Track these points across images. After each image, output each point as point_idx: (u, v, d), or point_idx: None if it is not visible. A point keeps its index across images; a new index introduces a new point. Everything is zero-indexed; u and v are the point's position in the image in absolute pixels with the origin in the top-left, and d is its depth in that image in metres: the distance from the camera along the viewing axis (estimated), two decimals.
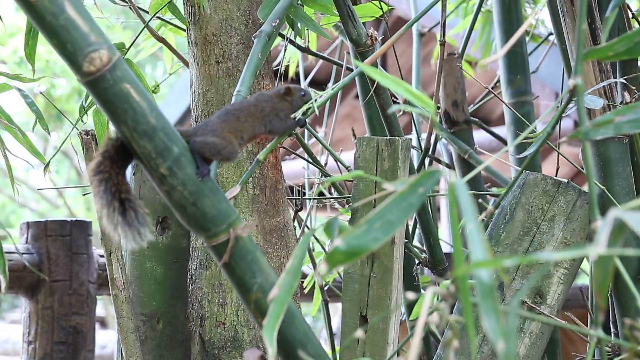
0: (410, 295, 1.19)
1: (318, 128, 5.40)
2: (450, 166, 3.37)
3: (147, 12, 2.71)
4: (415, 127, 3.11)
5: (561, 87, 2.98)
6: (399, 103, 3.20)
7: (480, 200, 2.94)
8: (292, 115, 1.92)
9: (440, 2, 2.80)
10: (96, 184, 1.72)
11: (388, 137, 2.27)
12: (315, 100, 1.89)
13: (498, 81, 3.64)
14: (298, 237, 2.71)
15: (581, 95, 1.53)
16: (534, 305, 2.33)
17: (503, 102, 2.05)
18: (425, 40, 5.45)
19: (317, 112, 1.89)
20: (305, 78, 4.78)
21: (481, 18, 4.33)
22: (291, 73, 4.64)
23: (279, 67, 2.99)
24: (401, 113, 3.20)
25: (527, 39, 4.23)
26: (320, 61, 5.35)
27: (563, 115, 1.98)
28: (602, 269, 1.16)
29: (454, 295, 1.21)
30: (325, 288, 3.46)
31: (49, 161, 2.46)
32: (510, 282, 2.31)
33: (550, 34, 4.51)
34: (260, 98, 1.92)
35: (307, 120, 1.95)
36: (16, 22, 13.20)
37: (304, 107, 1.91)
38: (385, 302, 2.31)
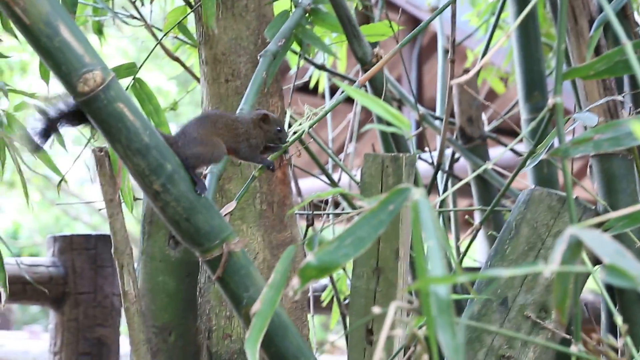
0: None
1: (349, 144, 5.44)
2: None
3: (161, 31, 2.78)
4: (428, 144, 3.13)
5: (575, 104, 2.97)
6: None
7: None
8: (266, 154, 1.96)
9: (465, 18, 2.83)
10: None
11: (393, 154, 2.30)
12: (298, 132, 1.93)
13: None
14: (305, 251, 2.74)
15: (560, 114, 1.55)
16: (538, 320, 2.34)
17: (511, 123, 2.07)
18: (458, 58, 5.44)
19: (308, 131, 1.93)
20: (333, 94, 4.82)
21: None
22: (321, 89, 4.68)
23: (295, 83, 3.03)
24: (420, 128, 3.22)
25: (551, 54, 4.24)
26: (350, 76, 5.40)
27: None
28: (561, 286, 1.18)
29: (419, 310, 1.24)
30: (345, 302, 3.49)
31: (63, 176, 2.53)
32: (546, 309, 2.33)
33: None
34: (240, 117, 1.96)
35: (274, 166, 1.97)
36: None
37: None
38: None
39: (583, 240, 1.16)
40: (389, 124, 2.52)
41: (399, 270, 2.33)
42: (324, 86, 4.63)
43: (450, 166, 3.28)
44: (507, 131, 6.50)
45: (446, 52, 4.41)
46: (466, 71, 3.34)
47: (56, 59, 1.65)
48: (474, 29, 4.77)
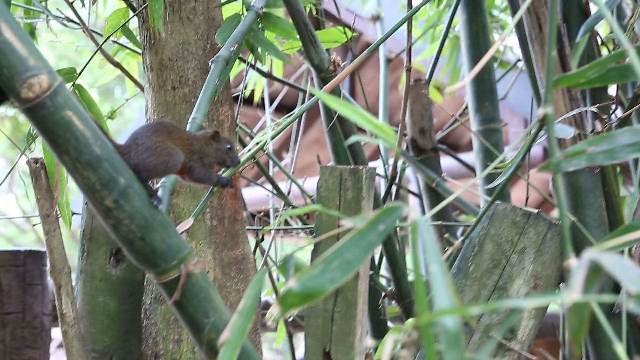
0: (370, 342, 1.09)
1: (285, 154, 5.32)
2: (418, 195, 3.28)
3: (101, 36, 2.61)
4: (382, 155, 3.01)
5: (530, 114, 2.90)
6: (364, 131, 3.12)
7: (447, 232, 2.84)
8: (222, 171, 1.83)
9: (406, 27, 2.72)
10: None
11: (352, 166, 2.17)
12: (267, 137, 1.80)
13: (466, 108, 3.57)
14: (259, 268, 2.60)
15: (551, 125, 1.44)
16: (504, 342, 2.24)
17: (470, 130, 1.96)
18: (393, 66, 5.38)
19: (270, 143, 1.79)
20: (272, 103, 4.69)
21: (449, 44, 4.27)
22: (257, 98, 4.54)
23: (243, 92, 2.89)
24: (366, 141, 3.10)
25: (496, 65, 4.18)
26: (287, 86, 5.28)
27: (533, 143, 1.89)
28: (578, 316, 1.07)
29: (417, 343, 1.11)
30: (290, 320, 3.36)
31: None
32: (475, 325, 2.22)
33: (519, 60, 4.47)
34: (194, 134, 1.83)
35: (229, 181, 1.85)
36: None
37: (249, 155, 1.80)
38: (349, 337, 2.21)
39: (603, 265, 1.05)
40: (344, 132, 2.39)
41: (359, 289, 2.21)
42: (259, 95, 4.50)
43: (400, 178, 3.17)
44: (447, 143, 6.45)
45: (388, 61, 4.32)
46: (418, 81, 3.23)
47: None
48: (414, 39, 4.70)
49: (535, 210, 2.32)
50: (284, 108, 6.45)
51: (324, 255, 1.21)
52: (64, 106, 1.52)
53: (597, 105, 2.09)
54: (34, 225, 2.62)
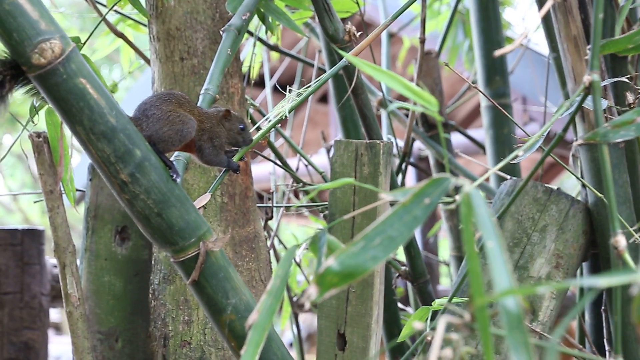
0: (418, 325, 1.01)
1: (283, 130, 5.21)
2: (426, 171, 3.20)
3: (104, 6, 2.51)
4: (392, 130, 2.92)
5: (545, 90, 2.81)
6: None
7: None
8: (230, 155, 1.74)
9: (414, 3, 2.64)
10: None
11: (368, 141, 2.08)
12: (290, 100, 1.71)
13: (474, 82, 3.49)
14: (268, 247, 2.51)
15: (598, 93, 1.37)
16: (525, 323, 2.16)
17: (491, 101, 1.89)
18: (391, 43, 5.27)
19: (288, 115, 1.71)
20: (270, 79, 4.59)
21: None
22: (254, 74, 4.45)
23: (251, 66, 2.80)
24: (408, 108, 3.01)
25: None
26: (285, 63, 5.18)
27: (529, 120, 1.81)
28: None
29: (470, 326, 1.03)
30: (295, 299, 3.28)
31: None
32: (532, 309, 2.14)
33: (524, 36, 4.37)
34: (206, 111, 1.74)
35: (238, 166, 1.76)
36: None
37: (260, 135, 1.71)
38: (365, 319, 2.13)
39: None
40: (359, 105, 2.30)
41: (375, 269, 2.13)
42: (258, 71, 4.40)
43: (410, 154, 3.08)
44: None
45: (390, 36, 4.22)
46: (428, 53, 3.14)
47: (6, 24, 1.38)
48: (413, 15, 4.62)
49: (556, 187, 2.25)
50: (277, 85, 6.37)
51: (365, 232, 1.13)
52: (77, 73, 1.43)
53: (626, 77, 2.01)
54: (35, 202, 2.52)
